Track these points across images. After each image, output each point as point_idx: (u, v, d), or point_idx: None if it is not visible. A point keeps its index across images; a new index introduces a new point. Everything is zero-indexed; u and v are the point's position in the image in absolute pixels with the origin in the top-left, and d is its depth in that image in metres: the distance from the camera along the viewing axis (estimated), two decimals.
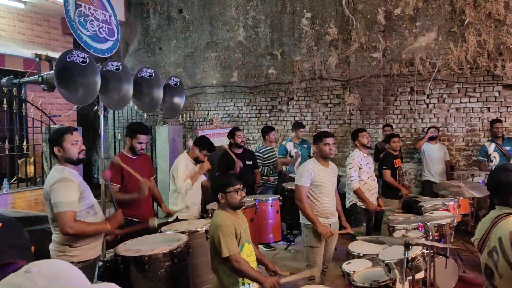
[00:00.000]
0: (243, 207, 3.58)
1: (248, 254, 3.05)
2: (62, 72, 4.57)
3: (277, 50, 8.91)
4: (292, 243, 6.44)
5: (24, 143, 6.58)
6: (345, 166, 5.16)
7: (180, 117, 8.77)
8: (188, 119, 9.02)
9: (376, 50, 7.77)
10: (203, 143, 4.82)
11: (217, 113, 9.66)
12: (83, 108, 6.44)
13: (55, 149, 3.03)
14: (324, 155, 4.10)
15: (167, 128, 7.65)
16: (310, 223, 4.02)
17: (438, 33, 7.35)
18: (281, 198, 5.40)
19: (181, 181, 4.56)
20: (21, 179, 6.67)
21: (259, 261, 3.26)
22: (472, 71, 7.08)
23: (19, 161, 6.73)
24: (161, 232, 3.88)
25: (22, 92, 7.17)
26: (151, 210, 4.37)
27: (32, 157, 6.62)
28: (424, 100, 7.50)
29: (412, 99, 7.60)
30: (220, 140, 8.19)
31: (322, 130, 8.38)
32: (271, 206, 5.13)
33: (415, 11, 7.49)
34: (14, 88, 6.44)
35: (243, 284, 2.96)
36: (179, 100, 6.27)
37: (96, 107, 4.64)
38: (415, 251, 2.89)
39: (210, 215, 4.73)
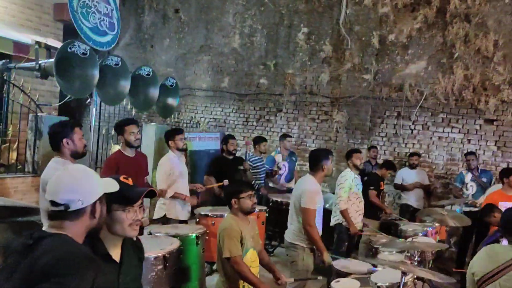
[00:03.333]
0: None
1: (251, 260, 3.19)
2: (61, 62, 4.52)
3: (271, 61, 9.00)
4: (271, 255, 6.49)
5: (10, 128, 6.42)
6: (336, 185, 5.25)
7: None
8: (174, 120, 8.99)
9: (368, 72, 7.97)
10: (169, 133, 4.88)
11: (204, 117, 9.65)
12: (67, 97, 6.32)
13: (64, 141, 3.00)
14: (325, 175, 4.12)
15: (154, 126, 7.59)
16: (309, 246, 3.91)
17: (428, 62, 7.60)
18: (267, 210, 5.44)
19: (160, 186, 4.59)
20: (2, 165, 6.49)
21: (267, 268, 3.41)
22: (457, 102, 7.35)
23: (2, 147, 6.55)
24: (151, 233, 3.86)
25: (13, 77, 7.01)
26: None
27: (16, 144, 6.45)
28: (410, 125, 7.73)
29: (398, 124, 7.82)
30: (206, 144, 8.20)
31: (308, 145, 8.52)
32: (257, 217, 5.16)
33: (408, 39, 7.72)
34: (5, 72, 6.30)
35: (243, 287, 3.11)
36: (173, 101, 6.27)
37: (89, 100, 4.59)
38: (409, 277, 2.99)
39: (196, 219, 4.76)
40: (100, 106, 9.31)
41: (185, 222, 4.79)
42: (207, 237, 4.16)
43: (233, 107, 9.46)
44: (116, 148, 8.05)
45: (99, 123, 9.00)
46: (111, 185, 1.76)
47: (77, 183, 1.63)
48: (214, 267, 4.88)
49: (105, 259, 1.78)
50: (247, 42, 9.34)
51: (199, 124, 9.05)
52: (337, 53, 8.34)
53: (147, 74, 5.25)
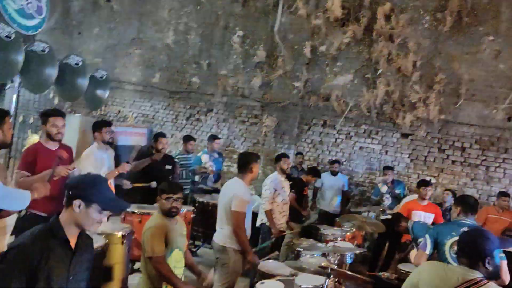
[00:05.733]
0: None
1: (176, 260, 3.16)
2: None
3: (204, 60, 8.96)
4: (194, 255, 6.45)
5: None
6: (262, 186, 5.37)
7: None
8: (100, 112, 8.61)
9: (298, 80, 8.24)
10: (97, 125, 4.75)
11: (132, 112, 9.35)
12: None
13: None
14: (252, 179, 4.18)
15: (79, 118, 7.21)
16: (240, 249, 3.90)
17: (354, 76, 8.04)
18: (194, 210, 5.41)
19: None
20: None
21: (191, 269, 3.39)
22: (378, 116, 7.84)
23: None
24: None
25: None
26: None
27: None
28: (334, 134, 8.11)
29: (324, 132, 8.17)
30: (133, 139, 7.95)
31: (236, 147, 8.59)
32: (184, 217, 5.11)
33: (338, 52, 8.10)
34: None
35: (166, 287, 3.08)
36: (102, 93, 6.02)
37: (8, 86, 4.28)
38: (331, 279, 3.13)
39: (122, 216, 4.60)
40: (19, 92, 8.67)
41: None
42: (134, 236, 4.04)
43: (163, 103, 9.27)
44: (33, 138, 7.54)
45: (16, 110, 8.37)
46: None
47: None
48: (136, 266, 4.75)
49: (62, 244, 1.92)
50: (181, 39, 9.21)
51: (127, 118, 8.74)
52: (270, 59, 8.52)
53: (76, 64, 4.98)
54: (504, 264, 3.30)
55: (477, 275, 2.19)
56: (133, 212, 4.46)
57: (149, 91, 9.37)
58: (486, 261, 2.20)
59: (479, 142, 7.25)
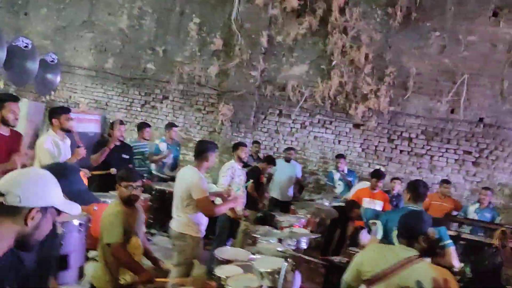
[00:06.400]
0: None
1: (134, 247, 3.15)
2: None
3: (160, 47, 8.81)
4: (150, 243, 6.40)
5: None
6: (219, 174, 5.42)
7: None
8: (50, 98, 8.27)
9: (255, 69, 8.30)
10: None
11: (84, 97, 9.05)
12: None
13: None
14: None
15: (26, 103, 6.92)
16: (198, 236, 3.96)
17: (310, 66, 8.21)
18: (150, 198, 5.37)
19: (46, 162, 4.24)
20: None
21: (147, 256, 3.37)
22: (332, 106, 8.07)
23: None
24: None
25: None
26: None
27: None
28: (290, 124, 8.27)
29: (279, 121, 8.31)
30: (84, 126, 7.73)
31: (193, 135, 8.56)
32: (141, 204, 5.07)
33: (294, 42, 8.23)
34: None
35: (124, 274, 3.07)
36: (53, 78, 5.81)
37: None
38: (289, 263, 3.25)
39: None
40: None
41: None
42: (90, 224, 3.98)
43: (117, 90, 9.04)
44: None
45: None
46: (72, 208, 1.65)
47: (26, 181, 1.50)
48: (90, 255, 4.67)
49: None
50: (135, 24, 8.99)
51: (78, 104, 8.46)
52: (227, 47, 8.51)
53: (25, 46, 4.78)
54: (453, 250, 3.56)
55: (414, 253, 2.43)
56: None
57: (102, 77, 9.09)
58: (420, 238, 2.45)
59: (425, 133, 7.66)
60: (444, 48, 7.49)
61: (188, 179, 3.91)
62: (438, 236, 2.79)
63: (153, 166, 6.74)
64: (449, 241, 3.54)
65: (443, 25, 7.49)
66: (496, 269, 5.00)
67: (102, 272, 3.14)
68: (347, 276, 2.64)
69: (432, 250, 2.63)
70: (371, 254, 2.58)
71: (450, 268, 3.51)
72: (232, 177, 5.32)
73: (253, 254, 4.06)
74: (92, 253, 4.50)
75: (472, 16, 7.32)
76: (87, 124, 7.68)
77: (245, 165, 5.97)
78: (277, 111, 8.33)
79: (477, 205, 6.45)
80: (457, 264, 3.52)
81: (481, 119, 7.37)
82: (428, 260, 2.46)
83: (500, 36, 7.20)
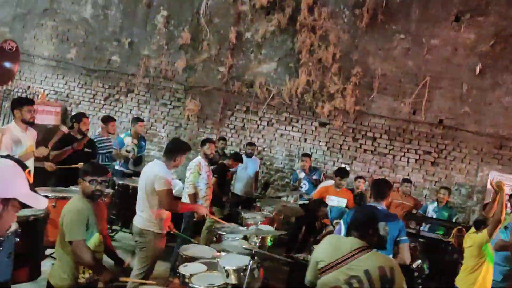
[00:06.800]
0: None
1: (96, 244, 3.05)
2: None
3: (126, 38, 8.60)
4: (112, 239, 6.25)
5: None
6: (187, 170, 5.35)
7: None
8: (6, 87, 7.90)
9: (223, 65, 8.24)
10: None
11: (43, 88, 8.70)
12: None
13: None
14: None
15: None
16: (160, 232, 3.91)
17: (278, 64, 8.22)
18: (113, 193, 5.23)
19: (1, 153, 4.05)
20: None
21: (108, 254, 3.28)
22: (298, 104, 8.13)
23: None
24: None
25: None
26: None
27: None
28: (257, 120, 8.27)
29: (247, 118, 8.29)
30: (43, 118, 7.44)
31: (158, 130, 8.41)
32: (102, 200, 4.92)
33: (263, 39, 8.22)
34: None
35: (83, 272, 2.99)
36: (12, 66, 5.58)
37: None
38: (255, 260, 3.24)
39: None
40: None
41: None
42: (48, 221, 3.82)
43: (79, 81, 8.76)
44: None
45: None
46: (38, 201, 1.63)
47: None
48: (47, 252, 4.50)
49: None
50: (100, 14, 8.73)
51: (37, 95, 8.13)
52: (195, 42, 8.40)
53: None
54: (406, 245, 3.67)
55: (364, 244, 2.56)
56: (47, 196, 4.20)
57: (63, 67, 8.78)
58: (370, 232, 2.61)
59: (388, 133, 7.84)
60: (408, 50, 7.68)
61: (153, 172, 3.86)
62: (388, 230, 2.91)
63: (116, 164, 6.57)
64: (405, 237, 3.66)
65: (407, 28, 7.68)
66: (453, 265, 5.20)
67: (61, 269, 3.03)
68: (308, 272, 2.71)
69: (382, 244, 2.78)
70: (325, 245, 2.69)
71: (406, 264, 3.64)
72: (199, 173, 5.26)
73: (219, 251, 4.04)
74: (49, 251, 4.34)
75: (435, 21, 7.54)
76: (46, 115, 7.39)
77: (211, 161, 5.92)
78: (244, 108, 8.31)
79: (435, 204, 6.66)
80: (408, 260, 3.65)
81: (441, 121, 7.61)
82: (375, 252, 2.61)
83: (461, 41, 7.45)
